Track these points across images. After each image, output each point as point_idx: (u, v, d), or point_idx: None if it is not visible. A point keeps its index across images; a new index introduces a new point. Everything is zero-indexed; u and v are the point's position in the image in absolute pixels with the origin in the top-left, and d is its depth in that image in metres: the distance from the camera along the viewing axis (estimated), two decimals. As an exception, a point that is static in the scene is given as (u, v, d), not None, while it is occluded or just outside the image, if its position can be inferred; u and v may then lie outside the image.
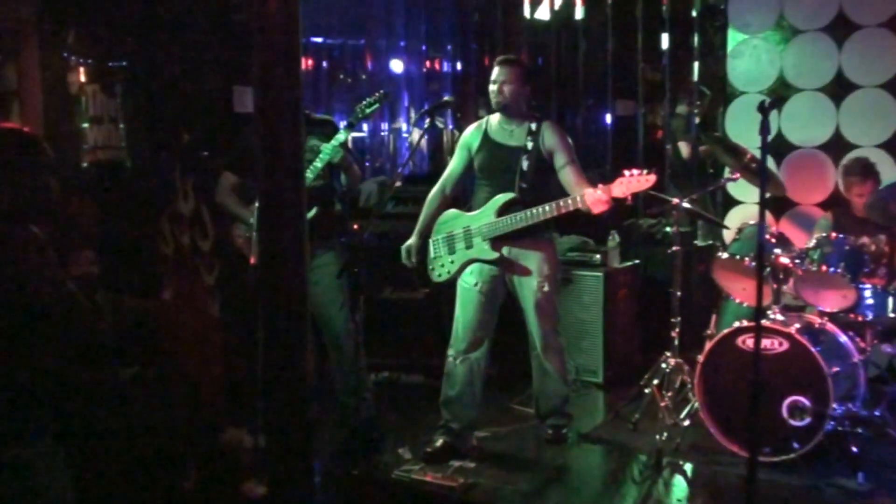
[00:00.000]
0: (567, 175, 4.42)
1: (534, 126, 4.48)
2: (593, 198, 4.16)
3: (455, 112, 7.28)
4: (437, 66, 7.73)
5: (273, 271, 3.44)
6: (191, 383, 4.75)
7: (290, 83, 3.46)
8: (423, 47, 7.57)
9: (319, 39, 7.11)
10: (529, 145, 4.44)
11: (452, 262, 4.55)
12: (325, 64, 7.25)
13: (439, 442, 4.57)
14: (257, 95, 3.51)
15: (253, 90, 3.74)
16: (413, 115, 7.24)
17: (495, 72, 4.51)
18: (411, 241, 4.68)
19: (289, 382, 3.47)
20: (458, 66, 7.55)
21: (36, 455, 2.53)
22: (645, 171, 4.16)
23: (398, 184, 5.04)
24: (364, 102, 4.56)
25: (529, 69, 4.63)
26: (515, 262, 4.49)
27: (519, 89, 4.48)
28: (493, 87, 4.50)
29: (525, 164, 4.43)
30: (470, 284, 4.54)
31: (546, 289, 4.49)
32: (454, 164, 4.72)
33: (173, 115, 4.98)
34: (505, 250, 4.45)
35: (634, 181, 4.16)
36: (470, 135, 4.68)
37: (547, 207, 4.27)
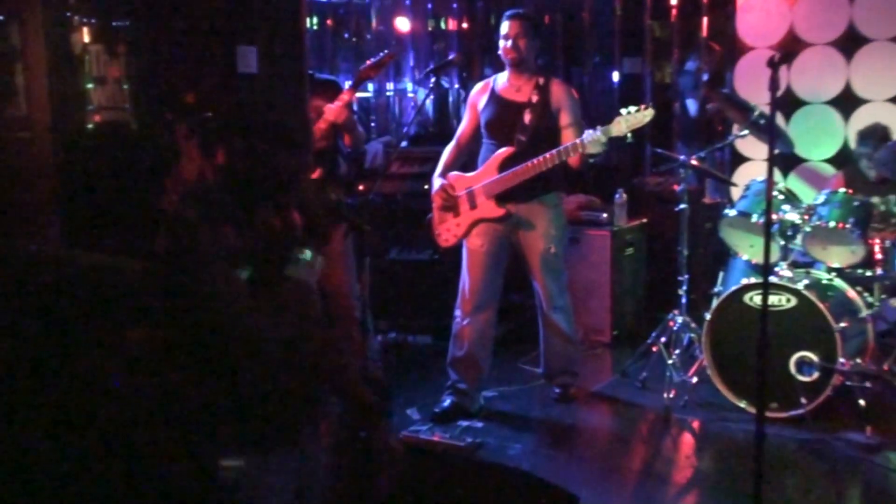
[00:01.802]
0: (571, 136, 4.37)
1: (542, 81, 4.44)
2: (592, 137, 4.12)
3: (461, 71, 7.22)
4: (442, 24, 7.65)
5: (277, 234, 3.43)
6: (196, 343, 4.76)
7: (293, 43, 3.44)
8: (429, 5, 7.48)
9: (323, -1, 7.04)
10: (535, 99, 4.39)
11: (458, 224, 4.53)
12: (329, 23, 7.18)
13: (447, 402, 4.59)
14: (261, 55, 3.49)
15: (257, 50, 3.73)
16: (418, 74, 7.18)
17: (506, 26, 4.44)
18: (438, 183, 4.58)
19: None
20: (464, 24, 7.47)
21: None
22: (643, 106, 4.13)
23: (404, 144, 5.02)
24: (368, 63, 4.53)
25: (538, 23, 4.57)
26: (522, 221, 4.47)
27: (531, 44, 4.43)
28: (506, 43, 4.43)
29: (527, 118, 4.37)
30: (476, 246, 4.52)
31: (553, 249, 4.48)
32: (464, 123, 4.69)
33: (177, 75, 4.95)
34: (511, 208, 4.43)
35: (633, 118, 4.12)
36: (477, 92, 4.64)
37: (547, 156, 4.23)
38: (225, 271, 2.23)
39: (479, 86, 4.68)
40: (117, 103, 4.99)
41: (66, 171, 4.08)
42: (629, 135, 4.17)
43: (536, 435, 4.47)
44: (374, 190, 4.74)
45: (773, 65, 2.92)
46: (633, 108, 4.14)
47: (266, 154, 2.43)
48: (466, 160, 4.69)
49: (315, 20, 6.88)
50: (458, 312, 4.61)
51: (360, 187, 5.62)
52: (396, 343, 5.88)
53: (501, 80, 4.56)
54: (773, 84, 2.90)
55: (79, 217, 4.08)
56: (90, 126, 5.00)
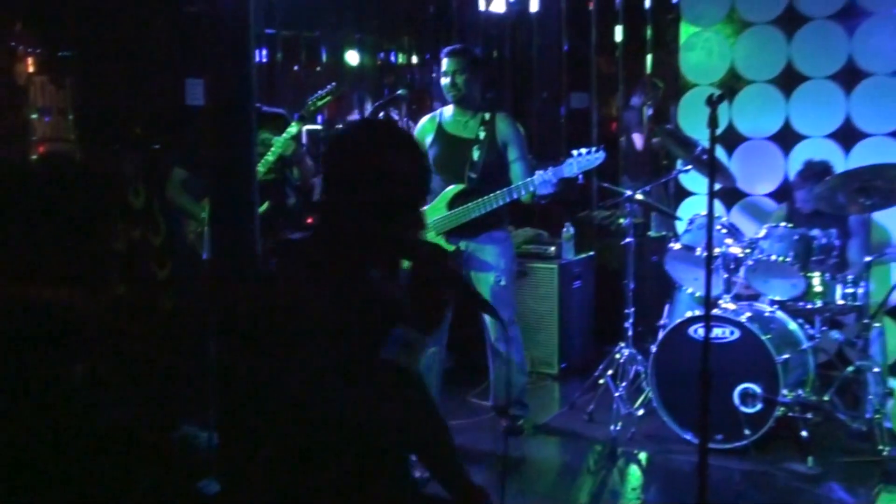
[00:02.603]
0: (518, 169, 4.43)
1: (487, 116, 4.48)
2: (543, 179, 4.18)
3: (410, 104, 7.26)
4: (392, 58, 7.70)
5: (225, 267, 3.41)
6: (143, 380, 4.70)
7: (241, 76, 3.43)
8: (379, 39, 7.54)
9: (273, 31, 7.04)
10: (482, 135, 4.43)
11: None
12: (279, 56, 7.19)
13: None
14: (208, 88, 3.48)
15: (204, 83, 3.71)
16: (368, 107, 7.21)
17: (445, 63, 4.47)
18: None
19: (241, 378, 3.43)
20: (414, 58, 7.54)
21: None
22: (594, 149, 4.20)
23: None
24: (316, 95, 4.54)
25: (479, 58, 4.62)
26: (472, 256, 4.50)
27: (472, 79, 4.45)
28: (445, 80, 4.47)
29: (476, 155, 4.41)
30: None
31: (503, 282, 4.51)
32: None
33: (124, 108, 4.92)
34: (462, 244, 4.46)
35: (583, 160, 4.19)
36: (423, 128, 4.65)
37: (498, 195, 4.27)
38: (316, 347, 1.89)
39: (424, 120, 4.69)
40: (62, 134, 4.94)
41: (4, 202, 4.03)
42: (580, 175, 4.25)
43: (485, 468, 4.45)
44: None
45: (712, 103, 2.99)
46: (584, 151, 4.22)
47: (382, 205, 1.98)
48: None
49: (265, 53, 6.89)
50: None
51: (309, 220, 5.61)
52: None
53: (447, 114, 4.58)
54: (713, 121, 2.97)
55: (16, 248, 4.02)
56: (33, 157, 4.94)
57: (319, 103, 4.56)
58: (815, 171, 5.18)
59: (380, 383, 1.90)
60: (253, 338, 1.95)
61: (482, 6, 7.35)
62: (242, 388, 2.03)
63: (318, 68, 7.21)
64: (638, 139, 7.24)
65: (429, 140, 4.56)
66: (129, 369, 4.67)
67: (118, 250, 4.70)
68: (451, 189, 4.40)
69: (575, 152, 4.22)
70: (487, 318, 4.60)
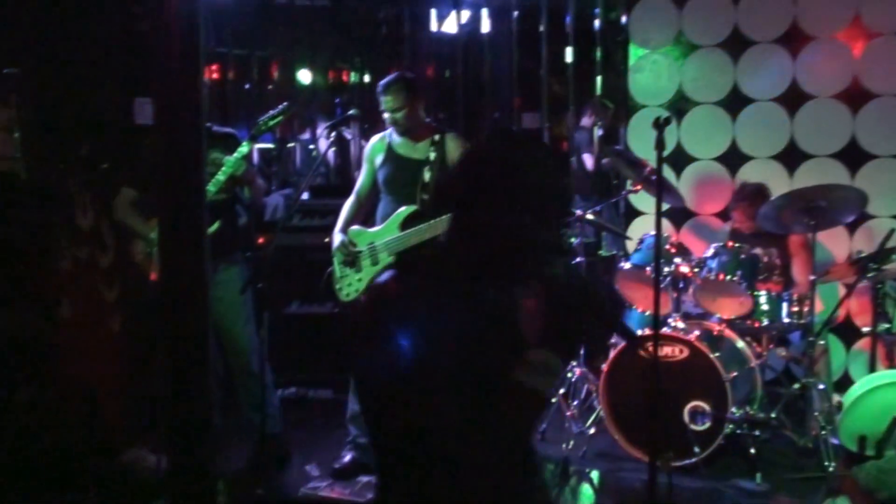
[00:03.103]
0: None
1: (437, 137, 4.48)
2: None
3: (363, 124, 7.27)
4: (344, 77, 7.71)
5: (174, 288, 3.36)
6: (91, 402, 4.62)
7: (190, 95, 3.39)
8: (331, 59, 7.54)
9: (225, 50, 7.02)
10: (432, 156, 4.43)
11: (360, 279, 4.52)
12: (231, 75, 7.15)
13: (347, 458, 4.54)
14: (157, 107, 3.44)
15: (153, 102, 3.67)
16: (320, 127, 7.20)
17: (382, 101, 4.41)
18: (338, 239, 4.54)
19: (191, 401, 3.39)
20: (366, 77, 7.55)
21: None
22: None
23: (304, 197, 5.00)
24: (268, 115, 4.52)
25: (414, 82, 4.56)
26: None
27: (412, 110, 4.40)
28: (386, 116, 4.44)
29: (427, 176, 4.40)
30: None
31: None
32: (363, 178, 4.66)
33: (72, 126, 4.86)
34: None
35: None
36: (373, 148, 4.61)
37: (444, 219, 4.25)
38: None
39: (374, 140, 4.64)
40: (8, 152, 4.85)
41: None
42: None
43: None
44: (275, 242, 4.70)
45: (659, 125, 3.04)
46: None
47: (532, 222, 1.85)
48: (367, 213, 4.69)
49: (216, 72, 6.86)
50: None
51: (260, 240, 5.58)
52: (297, 398, 5.80)
53: (397, 135, 4.56)
54: (659, 143, 3.02)
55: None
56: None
57: (271, 123, 4.53)
58: (748, 193, 5.30)
59: (512, 407, 1.80)
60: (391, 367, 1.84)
61: (434, 27, 7.40)
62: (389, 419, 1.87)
63: (270, 87, 7.19)
64: (588, 159, 7.32)
65: (379, 160, 4.54)
66: (75, 392, 4.59)
67: (65, 270, 4.62)
68: (404, 210, 4.39)
69: None
70: None
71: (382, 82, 4.48)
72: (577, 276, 1.92)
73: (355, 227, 4.56)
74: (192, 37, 3.43)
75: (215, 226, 4.27)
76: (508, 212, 1.84)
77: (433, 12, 7.39)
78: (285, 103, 4.64)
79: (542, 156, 1.93)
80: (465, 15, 7.59)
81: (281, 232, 4.88)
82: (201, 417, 3.45)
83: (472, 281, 1.85)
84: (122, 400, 4.77)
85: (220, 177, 4.36)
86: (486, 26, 7.56)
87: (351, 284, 4.53)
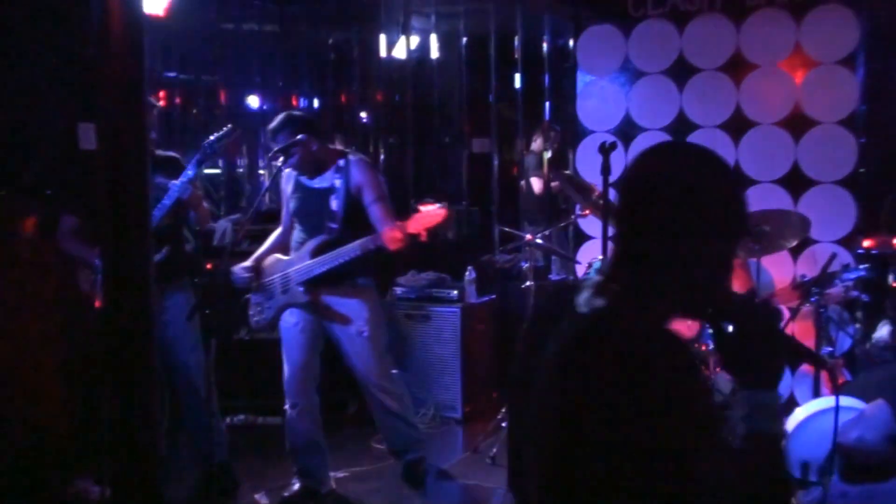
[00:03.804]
0: (375, 212, 4.36)
1: (342, 163, 4.43)
2: (389, 235, 4.14)
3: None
4: (294, 102, 7.68)
5: (119, 315, 3.31)
6: (34, 433, 4.52)
7: (134, 120, 3.37)
8: (280, 83, 7.52)
9: (173, 74, 6.97)
10: (338, 183, 4.39)
11: (269, 307, 4.52)
12: (178, 100, 7.09)
13: (296, 486, 4.49)
14: (101, 132, 3.40)
15: (97, 127, 3.63)
16: (268, 152, 7.17)
17: (279, 161, 4.37)
18: (248, 264, 4.57)
19: (136, 430, 3.33)
20: (315, 102, 7.54)
21: None
22: (437, 206, 4.19)
23: (251, 222, 4.96)
24: (212, 137, 4.48)
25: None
26: (331, 309, 4.42)
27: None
28: (287, 171, 4.46)
29: (334, 204, 4.37)
30: (290, 324, 4.48)
31: (365, 334, 4.42)
32: (283, 210, 4.67)
33: (15, 151, 4.78)
34: (321, 296, 4.40)
35: (426, 216, 4.16)
36: (283, 180, 4.60)
37: (349, 247, 4.22)
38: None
39: (285, 171, 4.57)
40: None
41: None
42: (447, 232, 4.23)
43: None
44: (223, 267, 4.66)
45: (604, 151, 3.08)
46: (430, 208, 4.20)
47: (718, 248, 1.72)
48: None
49: (163, 96, 6.80)
50: (287, 402, 4.51)
51: (208, 265, 5.52)
52: (245, 425, 5.73)
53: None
54: (605, 168, 3.05)
55: None
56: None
57: (217, 145, 4.49)
58: None
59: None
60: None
61: (384, 52, 7.42)
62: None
63: (218, 112, 7.14)
64: (536, 183, 7.37)
65: (289, 192, 4.54)
66: (19, 423, 4.49)
67: (6, 300, 4.53)
68: (313, 241, 4.36)
69: (421, 208, 4.19)
70: (356, 373, 4.51)
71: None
72: (755, 303, 1.81)
73: (273, 256, 4.57)
74: (136, 61, 3.40)
75: (162, 252, 4.22)
76: (703, 237, 1.67)
77: (382, 38, 7.41)
78: (229, 126, 4.60)
79: (722, 169, 1.76)
80: (415, 41, 7.62)
81: (229, 257, 4.83)
82: (147, 446, 3.39)
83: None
84: (66, 430, 4.67)
85: (166, 202, 4.31)
86: (435, 52, 7.60)
87: (262, 311, 4.55)
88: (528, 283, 5.07)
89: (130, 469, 3.39)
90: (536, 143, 7.41)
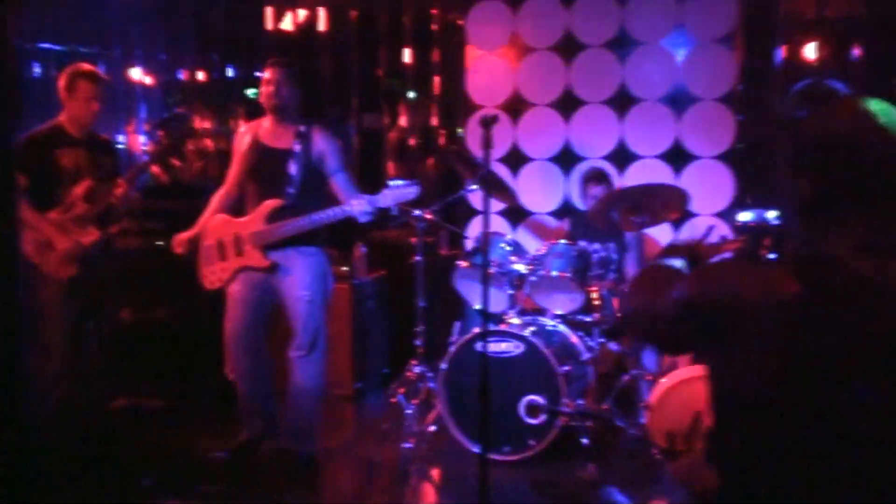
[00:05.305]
0: (339, 181, 4.45)
1: (303, 129, 4.46)
2: (360, 208, 4.21)
3: (191, 122, 7.06)
4: (177, 75, 7.47)
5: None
6: None
7: (3, 92, 3.21)
8: (162, 56, 7.29)
9: (46, 46, 6.67)
10: (298, 149, 4.41)
11: (224, 269, 4.48)
12: (56, 73, 6.79)
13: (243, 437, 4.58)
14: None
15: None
16: (149, 126, 6.96)
17: (270, 72, 4.44)
18: (189, 232, 4.54)
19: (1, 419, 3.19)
20: (200, 76, 7.35)
21: None
22: (408, 182, 4.28)
23: (132, 197, 4.84)
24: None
25: (303, 73, 4.64)
26: (282, 268, 4.45)
27: (293, 93, 4.45)
28: (268, 89, 4.43)
29: (293, 169, 4.39)
30: (235, 291, 4.48)
31: (311, 299, 4.46)
32: (232, 170, 4.66)
33: None
34: (276, 257, 4.40)
35: (399, 192, 4.25)
36: (240, 137, 4.64)
37: (315, 217, 4.27)
38: None
39: (242, 129, 4.70)
40: None
41: None
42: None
43: (276, 496, 4.37)
44: (100, 245, 4.51)
45: (486, 123, 3.09)
46: (400, 184, 4.27)
47: None
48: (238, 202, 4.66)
49: (38, 69, 6.52)
50: (230, 364, 4.53)
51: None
52: (130, 408, 5.58)
53: (264, 125, 4.56)
54: (486, 141, 3.06)
55: None
56: None
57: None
58: (591, 176, 5.54)
59: None
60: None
61: (270, 24, 7.28)
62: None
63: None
64: (427, 159, 7.38)
65: (245, 150, 4.54)
66: None
67: None
68: (269, 203, 4.38)
69: (391, 183, 4.27)
70: (294, 337, 4.51)
71: (273, 59, 4.52)
72: None
73: (221, 216, 4.55)
74: (3, 29, 3.25)
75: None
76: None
77: (269, 10, 7.26)
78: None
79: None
80: (302, 14, 7.50)
81: (109, 236, 4.69)
82: (14, 435, 3.26)
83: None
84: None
85: None
86: (323, 25, 7.50)
87: (215, 273, 4.51)
88: (416, 259, 5.06)
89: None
90: (425, 119, 7.40)
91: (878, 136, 1.66)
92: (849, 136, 1.68)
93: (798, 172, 1.71)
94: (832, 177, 1.68)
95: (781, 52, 6.13)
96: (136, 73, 6.95)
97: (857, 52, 6.08)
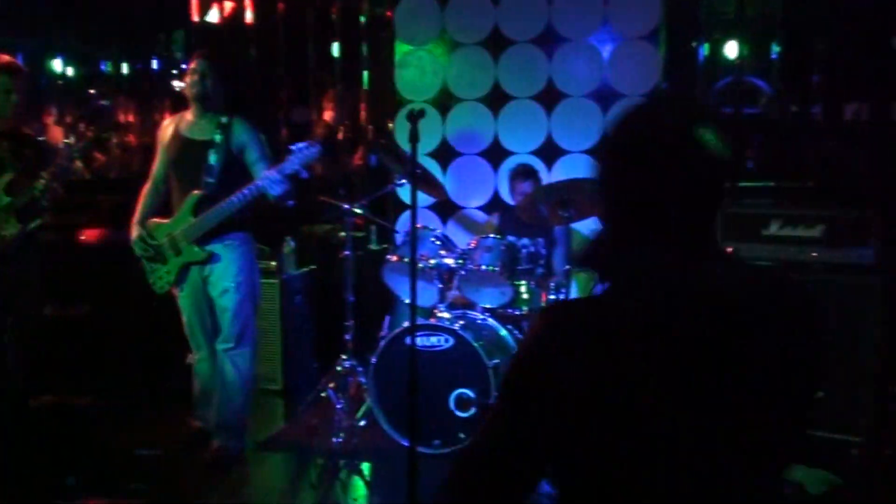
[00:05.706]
0: (261, 170, 4.41)
1: (224, 120, 4.44)
2: (269, 179, 4.21)
3: (114, 115, 6.94)
4: (100, 67, 7.32)
5: None
6: None
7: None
8: (84, 46, 7.14)
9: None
10: (218, 139, 4.40)
11: (168, 271, 4.50)
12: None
13: (195, 425, 4.72)
14: None
15: None
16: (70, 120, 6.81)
17: (196, 63, 4.45)
18: (136, 232, 4.58)
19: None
20: (124, 68, 7.21)
21: None
22: (309, 143, 4.29)
23: (55, 190, 4.73)
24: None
25: (230, 67, 4.65)
26: (215, 262, 4.46)
27: (217, 84, 4.46)
28: (192, 79, 4.43)
29: (213, 159, 4.39)
30: (179, 290, 4.55)
31: (239, 290, 4.47)
32: (157, 163, 4.65)
33: None
34: (209, 248, 4.43)
35: (302, 154, 4.26)
36: (162, 130, 4.64)
37: (234, 199, 4.28)
38: None
39: (164, 123, 4.70)
40: None
41: None
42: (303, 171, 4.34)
43: (206, 491, 4.33)
44: (19, 236, 4.40)
45: (413, 118, 3.10)
46: (301, 145, 4.29)
47: None
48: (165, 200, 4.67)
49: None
50: (199, 354, 4.67)
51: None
52: (55, 406, 5.45)
53: (185, 118, 4.56)
54: (413, 135, 3.08)
55: None
56: None
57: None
58: (518, 172, 5.59)
59: None
60: None
61: (196, 16, 7.18)
62: None
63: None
64: (357, 153, 7.35)
65: (166, 144, 4.55)
66: None
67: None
68: (192, 197, 4.40)
69: (293, 147, 4.29)
70: (221, 329, 4.50)
71: (201, 51, 4.58)
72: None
73: (153, 221, 4.56)
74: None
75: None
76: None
77: (194, 2, 7.16)
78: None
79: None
80: (229, 6, 7.41)
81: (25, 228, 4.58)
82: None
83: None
84: None
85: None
86: (250, 17, 7.42)
87: (162, 277, 4.53)
88: (345, 253, 5.06)
89: None
90: (328, 113, 7.38)
91: (662, 143, 1.47)
92: (634, 144, 1.51)
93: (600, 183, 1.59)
94: (623, 186, 1.54)
95: (704, 50, 6.26)
96: (58, 65, 6.79)
97: (775, 49, 6.25)
